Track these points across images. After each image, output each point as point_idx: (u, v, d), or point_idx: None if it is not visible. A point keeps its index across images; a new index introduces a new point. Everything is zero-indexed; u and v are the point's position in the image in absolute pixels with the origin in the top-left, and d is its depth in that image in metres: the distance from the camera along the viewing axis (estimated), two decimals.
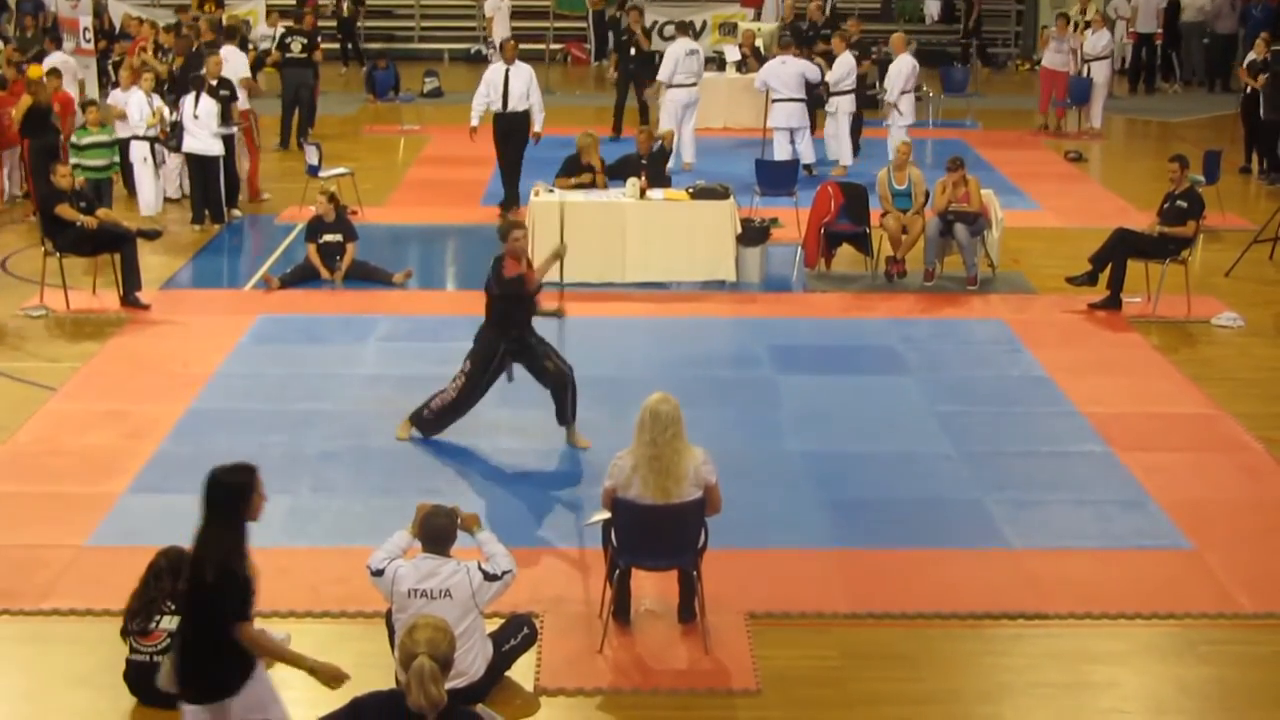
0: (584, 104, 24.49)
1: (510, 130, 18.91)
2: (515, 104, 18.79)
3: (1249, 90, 21.89)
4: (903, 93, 21.36)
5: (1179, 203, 15.27)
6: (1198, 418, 12.61)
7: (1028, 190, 20.78)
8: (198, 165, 18.37)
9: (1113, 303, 15.20)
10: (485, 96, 18.94)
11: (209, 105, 18.21)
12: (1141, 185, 20.47)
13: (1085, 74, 25.37)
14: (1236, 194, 20.51)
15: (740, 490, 10.12)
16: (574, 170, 17.25)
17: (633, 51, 23.98)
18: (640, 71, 23.85)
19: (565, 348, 14.10)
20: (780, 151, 20.90)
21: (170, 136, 18.47)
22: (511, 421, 12.33)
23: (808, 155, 20.81)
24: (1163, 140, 22.76)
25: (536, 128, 18.93)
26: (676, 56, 21.80)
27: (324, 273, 16.05)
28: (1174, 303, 15.13)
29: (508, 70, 18.86)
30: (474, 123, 19.07)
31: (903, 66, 21.44)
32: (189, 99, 18.19)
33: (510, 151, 18.96)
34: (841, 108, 21.63)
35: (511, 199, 18.82)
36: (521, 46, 29.87)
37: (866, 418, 12.55)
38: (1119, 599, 9.45)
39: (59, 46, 22.62)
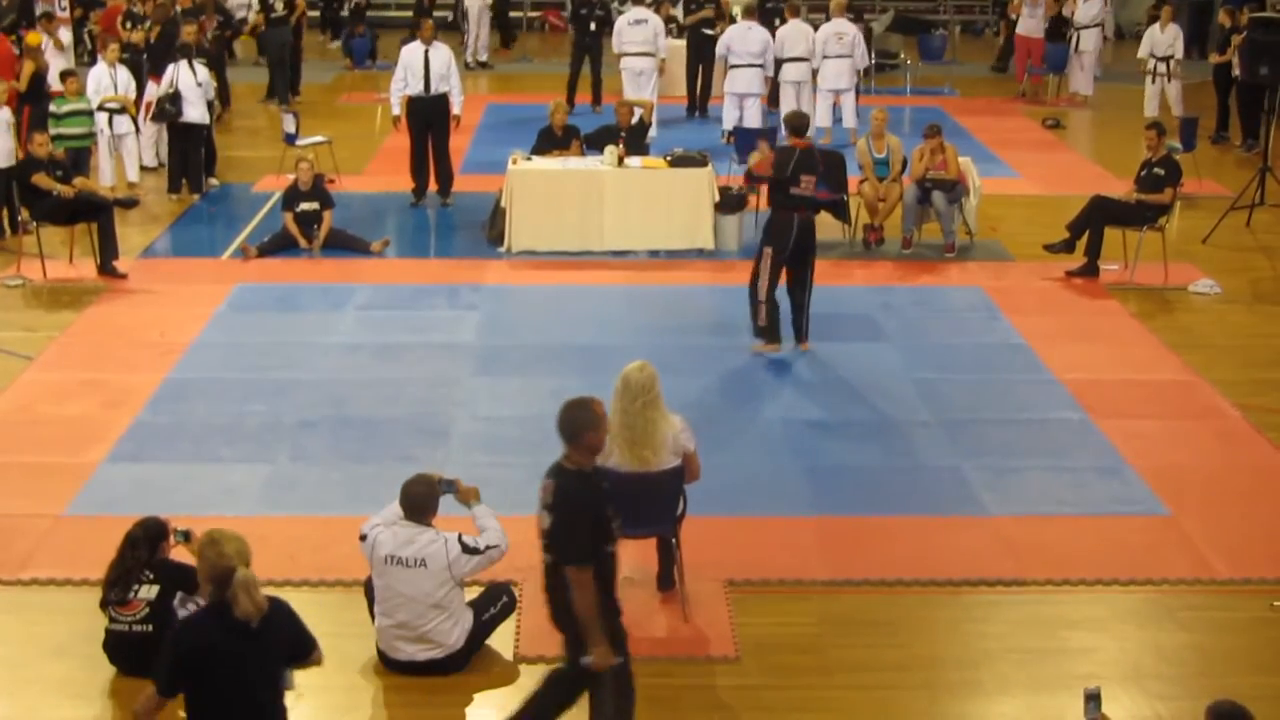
0: (562, 71, 24.39)
1: (434, 115, 17.59)
2: (437, 86, 17.51)
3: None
4: (824, 57, 21.29)
5: (1156, 170, 15.29)
6: (1175, 384, 12.64)
7: (1005, 158, 20.79)
8: (185, 134, 18.27)
9: (1090, 270, 15.23)
10: (403, 80, 17.61)
11: (205, 73, 18.25)
12: (1119, 152, 20.50)
13: (1075, 42, 25.27)
14: (1213, 161, 20.55)
15: (719, 458, 10.14)
16: (549, 144, 17.15)
17: (591, 26, 23.85)
18: (595, 43, 23.83)
19: (543, 316, 14.13)
20: (728, 118, 21.01)
21: (171, 105, 18.19)
22: (490, 389, 12.34)
23: (753, 122, 20.60)
24: (1141, 107, 22.74)
25: (456, 110, 17.77)
26: (620, 27, 21.92)
27: (301, 241, 16.00)
28: (1151, 270, 15.16)
29: (426, 51, 17.55)
30: (396, 110, 17.73)
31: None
32: (181, 68, 18.05)
33: (437, 137, 17.69)
34: (787, 76, 21.36)
35: (446, 187, 17.96)
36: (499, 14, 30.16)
37: (845, 385, 12.57)
38: (1096, 565, 9.48)
39: (33, 18, 22.46)
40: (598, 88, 23.77)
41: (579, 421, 7.04)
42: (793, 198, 12.72)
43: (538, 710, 7.42)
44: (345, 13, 29.91)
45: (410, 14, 29.27)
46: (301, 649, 6.57)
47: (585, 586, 6.87)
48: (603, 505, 7.00)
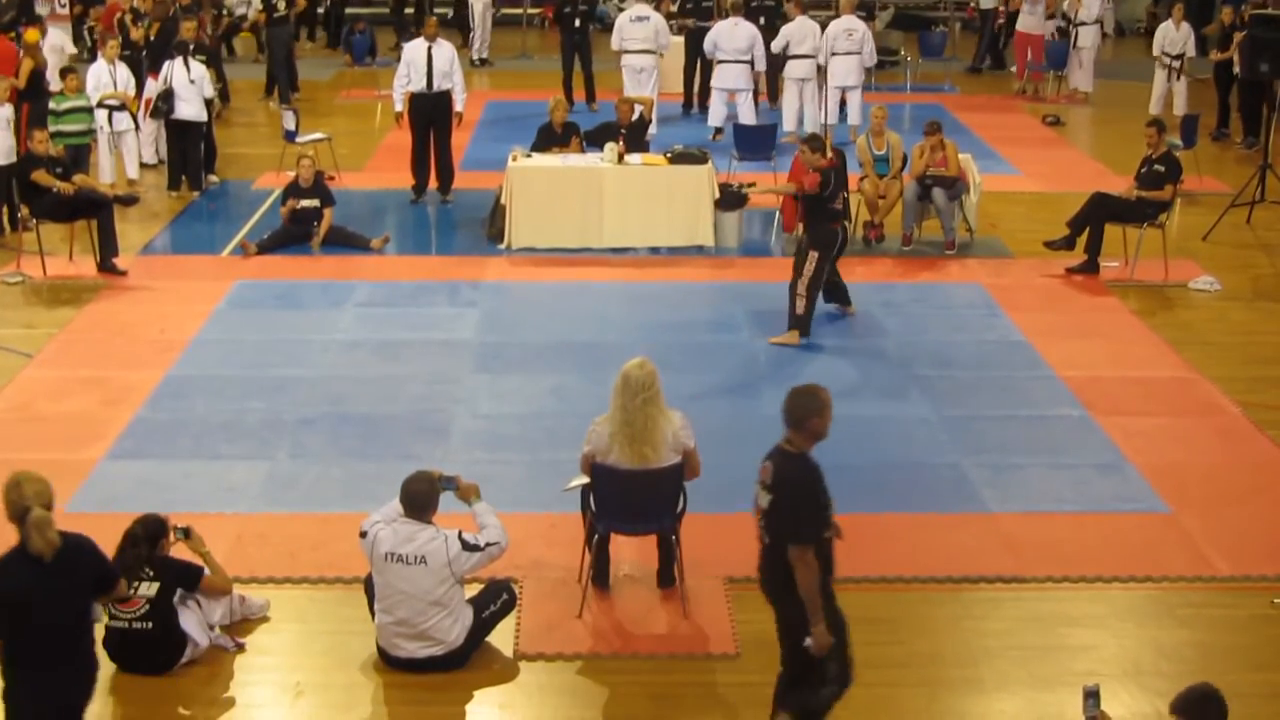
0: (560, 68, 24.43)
1: (436, 111, 17.62)
2: (439, 83, 17.54)
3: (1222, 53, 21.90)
4: (833, 54, 21.19)
5: (1156, 167, 15.29)
6: (1175, 381, 12.64)
7: (1006, 154, 20.78)
8: (182, 131, 18.25)
9: (1090, 267, 15.22)
10: (406, 77, 17.61)
11: (200, 70, 18.17)
12: (1120, 149, 20.48)
13: (1074, 39, 25.23)
14: (1214, 158, 20.54)
15: (719, 455, 10.11)
16: (549, 140, 17.13)
17: (577, 23, 23.80)
18: (583, 41, 23.79)
19: (543, 313, 14.14)
20: (714, 115, 21.09)
21: (164, 102, 18.19)
22: (490, 386, 12.34)
23: (747, 118, 20.55)
24: (1141, 105, 22.74)
25: (459, 107, 17.86)
26: (621, 24, 21.90)
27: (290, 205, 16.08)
28: (1151, 267, 15.16)
29: (430, 48, 17.56)
30: (399, 107, 17.75)
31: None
32: (177, 65, 18.03)
33: (439, 134, 17.73)
34: (792, 73, 21.26)
35: (446, 184, 18.00)
36: (502, 10, 30.15)
37: (844, 382, 12.54)
38: (1096, 562, 9.48)
39: (32, 15, 22.45)
40: (590, 84, 23.72)
41: (805, 408, 7.17)
42: (830, 211, 13.35)
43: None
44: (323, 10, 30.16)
45: (386, 10, 29.47)
46: (105, 582, 7.05)
47: (809, 565, 6.98)
48: (823, 489, 7.09)
